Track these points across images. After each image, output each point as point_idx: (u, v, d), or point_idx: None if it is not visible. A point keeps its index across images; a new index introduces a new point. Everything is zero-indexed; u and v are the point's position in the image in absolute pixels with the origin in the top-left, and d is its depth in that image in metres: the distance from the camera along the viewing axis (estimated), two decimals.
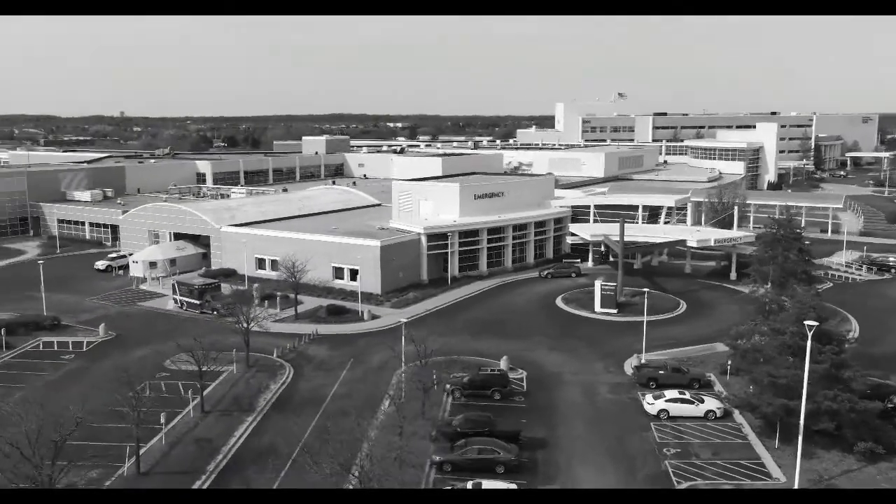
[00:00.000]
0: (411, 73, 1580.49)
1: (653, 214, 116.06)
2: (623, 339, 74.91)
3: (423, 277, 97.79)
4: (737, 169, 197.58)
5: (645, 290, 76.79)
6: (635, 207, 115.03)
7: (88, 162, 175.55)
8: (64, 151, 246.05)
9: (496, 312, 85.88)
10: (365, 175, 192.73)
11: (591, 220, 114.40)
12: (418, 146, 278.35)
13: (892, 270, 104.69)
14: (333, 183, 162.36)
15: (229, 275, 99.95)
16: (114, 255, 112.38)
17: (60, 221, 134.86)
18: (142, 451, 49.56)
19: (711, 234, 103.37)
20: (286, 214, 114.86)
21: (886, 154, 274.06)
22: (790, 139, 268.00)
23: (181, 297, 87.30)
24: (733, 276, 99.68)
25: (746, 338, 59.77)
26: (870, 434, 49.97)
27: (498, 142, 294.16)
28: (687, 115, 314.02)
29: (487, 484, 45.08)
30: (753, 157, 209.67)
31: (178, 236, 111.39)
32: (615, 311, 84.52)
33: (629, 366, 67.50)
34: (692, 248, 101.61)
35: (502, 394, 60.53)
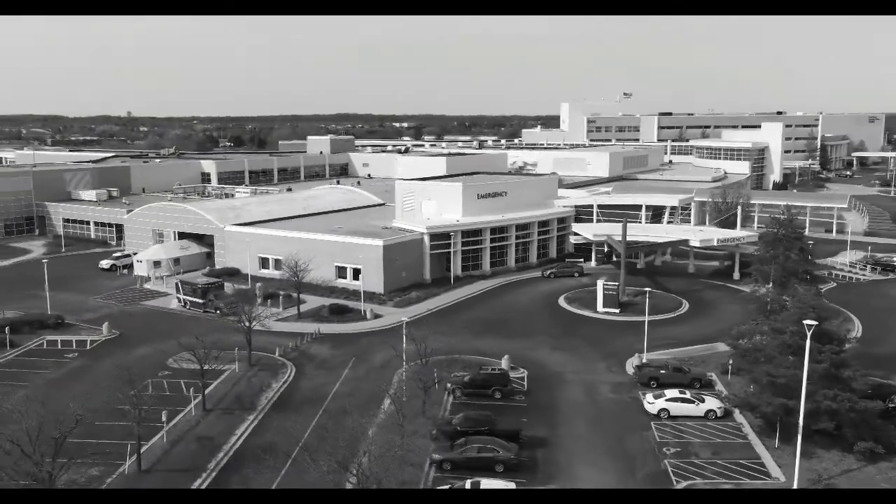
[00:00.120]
0: (417, 73, 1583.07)
1: (656, 214, 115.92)
2: (625, 338, 74.91)
3: (426, 277, 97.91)
4: (742, 169, 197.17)
5: (647, 289, 76.86)
6: (638, 207, 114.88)
7: (94, 162, 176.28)
8: (70, 151, 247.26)
9: (499, 312, 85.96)
10: (369, 175, 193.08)
11: (595, 220, 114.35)
12: (423, 146, 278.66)
13: None
14: (338, 182, 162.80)
15: (233, 274, 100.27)
16: (118, 254, 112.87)
17: (66, 221, 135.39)
18: (143, 449, 49.79)
19: (714, 234, 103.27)
20: (290, 214, 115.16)
21: (893, 154, 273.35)
22: (796, 139, 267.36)
23: (184, 297, 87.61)
24: (736, 275, 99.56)
25: (747, 337, 59.73)
26: (870, 434, 49.88)
27: (503, 141, 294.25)
28: (692, 114, 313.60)
29: (486, 482, 45.11)
30: (759, 157, 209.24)
31: (182, 235, 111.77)
32: (618, 310, 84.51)
33: (630, 365, 67.52)
34: (695, 247, 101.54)
35: (503, 393, 60.64)
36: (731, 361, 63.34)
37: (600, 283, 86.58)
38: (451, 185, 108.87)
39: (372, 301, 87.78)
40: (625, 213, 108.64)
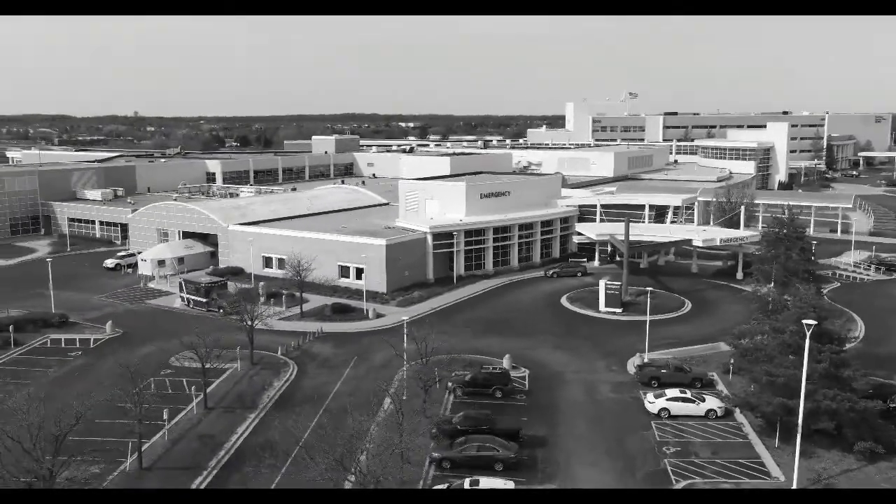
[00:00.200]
0: (423, 73, 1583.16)
1: (659, 214, 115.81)
2: (627, 338, 74.92)
3: (428, 276, 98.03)
4: (747, 169, 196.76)
5: (649, 289, 76.84)
6: (642, 207, 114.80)
7: (99, 161, 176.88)
8: (76, 151, 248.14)
9: (501, 311, 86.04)
10: (374, 174, 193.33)
11: (598, 220, 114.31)
12: (428, 146, 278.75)
13: None
14: (342, 182, 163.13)
15: (236, 273, 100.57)
16: (122, 253, 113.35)
17: (71, 220, 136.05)
18: (144, 447, 50.07)
19: (717, 234, 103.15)
20: (294, 213, 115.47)
21: None
22: (802, 139, 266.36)
23: (188, 295, 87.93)
24: (739, 275, 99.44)
25: (748, 337, 59.70)
26: (870, 434, 49.80)
27: (508, 141, 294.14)
28: (698, 114, 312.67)
29: (485, 481, 45.18)
30: (764, 156, 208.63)
31: (186, 235, 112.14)
32: (620, 310, 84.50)
33: (632, 365, 67.52)
34: (698, 247, 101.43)
35: (504, 392, 60.72)
36: (732, 361, 63.32)
37: (603, 283, 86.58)
38: (454, 185, 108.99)
39: (375, 300, 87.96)
40: (628, 213, 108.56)
